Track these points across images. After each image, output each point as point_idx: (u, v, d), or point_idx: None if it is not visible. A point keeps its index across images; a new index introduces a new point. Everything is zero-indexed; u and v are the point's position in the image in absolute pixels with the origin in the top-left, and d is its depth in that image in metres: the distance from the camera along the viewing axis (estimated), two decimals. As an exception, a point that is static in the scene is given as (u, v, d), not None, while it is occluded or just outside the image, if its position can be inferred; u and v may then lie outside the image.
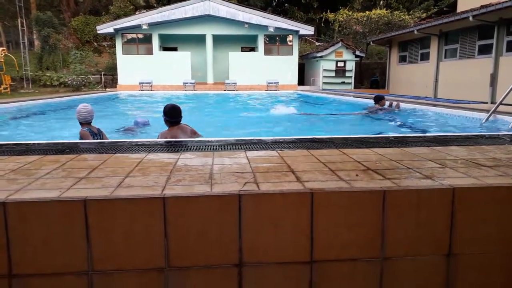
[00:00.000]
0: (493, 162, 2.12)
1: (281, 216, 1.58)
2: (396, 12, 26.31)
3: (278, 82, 21.03)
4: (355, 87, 22.29)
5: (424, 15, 24.92)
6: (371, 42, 21.80)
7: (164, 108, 4.38)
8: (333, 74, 22.20)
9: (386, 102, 9.21)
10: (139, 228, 1.53)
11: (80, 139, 4.36)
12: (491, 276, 1.70)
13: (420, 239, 1.65)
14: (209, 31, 21.78)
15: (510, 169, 1.94)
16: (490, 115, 6.05)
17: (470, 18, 12.01)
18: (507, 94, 5.81)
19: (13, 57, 20.53)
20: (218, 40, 22.47)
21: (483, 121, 6.16)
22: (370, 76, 24.31)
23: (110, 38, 25.58)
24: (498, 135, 3.27)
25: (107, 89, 21.01)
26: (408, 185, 1.68)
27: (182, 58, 21.92)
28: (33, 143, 2.85)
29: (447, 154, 2.34)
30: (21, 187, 1.65)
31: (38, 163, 2.15)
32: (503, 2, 10.69)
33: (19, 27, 21.02)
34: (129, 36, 22.11)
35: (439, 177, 1.79)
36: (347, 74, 22.35)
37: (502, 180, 1.74)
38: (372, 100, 9.37)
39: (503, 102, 6.03)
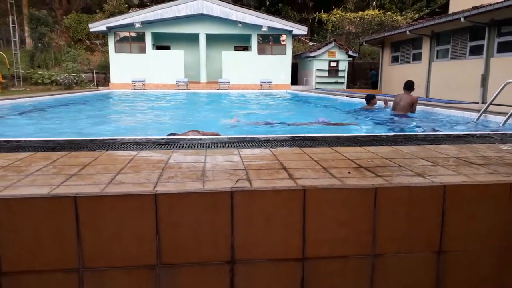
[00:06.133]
0: (484, 160, 2.14)
1: (273, 213, 1.58)
2: (388, 12, 26.42)
3: (271, 82, 21.03)
4: (347, 87, 22.36)
5: (417, 16, 25.07)
6: (363, 43, 21.88)
7: None
8: (326, 74, 22.25)
9: (378, 101, 9.26)
10: (130, 225, 1.52)
11: None
12: (481, 273, 1.72)
13: (411, 236, 1.66)
14: (202, 30, 21.71)
15: (500, 167, 1.96)
16: (480, 114, 6.11)
17: (462, 19, 12.11)
18: (497, 94, 5.87)
19: (4, 55, 20.32)
20: (212, 39, 22.41)
21: (474, 120, 6.22)
22: (364, 76, 24.41)
23: (103, 36, 25.39)
24: (489, 134, 3.31)
25: (99, 88, 20.85)
26: (400, 182, 1.69)
27: (175, 57, 21.82)
28: (24, 140, 2.82)
29: (438, 153, 2.36)
30: (11, 184, 1.63)
31: (29, 160, 2.13)
32: (494, 4, 10.80)
33: (10, 25, 20.76)
34: (122, 34, 21.96)
35: (430, 174, 1.81)
36: (340, 74, 22.42)
37: (493, 178, 1.76)
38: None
39: (494, 102, 6.09)
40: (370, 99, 9.25)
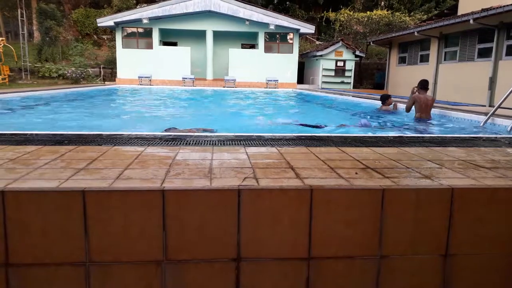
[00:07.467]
0: (492, 164, 2.12)
1: (280, 211, 1.58)
2: (397, 13, 26.27)
3: (277, 80, 20.99)
4: (354, 87, 22.27)
5: (425, 17, 24.89)
6: (371, 43, 21.77)
7: None
8: (332, 73, 22.17)
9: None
10: (137, 220, 1.53)
11: None
12: (488, 277, 1.71)
13: (417, 238, 1.65)
14: (209, 27, 21.70)
15: (508, 171, 1.94)
16: (488, 118, 6.06)
17: (471, 21, 12.02)
18: (505, 98, 5.82)
19: (12, 48, 20.41)
20: (219, 36, 22.39)
21: (481, 123, 6.17)
22: (370, 77, 24.30)
23: (110, 31, 25.45)
24: (496, 137, 3.29)
25: (106, 83, 20.91)
26: (407, 184, 1.68)
27: (182, 53, 21.84)
28: (32, 133, 2.84)
29: (445, 155, 2.34)
30: (20, 177, 1.65)
31: (37, 153, 2.14)
32: (504, 6, 10.70)
33: (19, 18, 20.87)
34: (129, 30, 21.99)
35: (437, 177, 1.80)
36: (347, 73, 22.32)
37: (501, 182, 1.74)
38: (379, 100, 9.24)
39: (502, 106, 6.04)
40: (385, 99, 9.00)
